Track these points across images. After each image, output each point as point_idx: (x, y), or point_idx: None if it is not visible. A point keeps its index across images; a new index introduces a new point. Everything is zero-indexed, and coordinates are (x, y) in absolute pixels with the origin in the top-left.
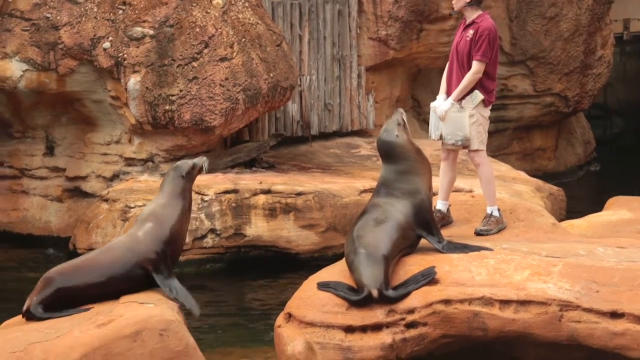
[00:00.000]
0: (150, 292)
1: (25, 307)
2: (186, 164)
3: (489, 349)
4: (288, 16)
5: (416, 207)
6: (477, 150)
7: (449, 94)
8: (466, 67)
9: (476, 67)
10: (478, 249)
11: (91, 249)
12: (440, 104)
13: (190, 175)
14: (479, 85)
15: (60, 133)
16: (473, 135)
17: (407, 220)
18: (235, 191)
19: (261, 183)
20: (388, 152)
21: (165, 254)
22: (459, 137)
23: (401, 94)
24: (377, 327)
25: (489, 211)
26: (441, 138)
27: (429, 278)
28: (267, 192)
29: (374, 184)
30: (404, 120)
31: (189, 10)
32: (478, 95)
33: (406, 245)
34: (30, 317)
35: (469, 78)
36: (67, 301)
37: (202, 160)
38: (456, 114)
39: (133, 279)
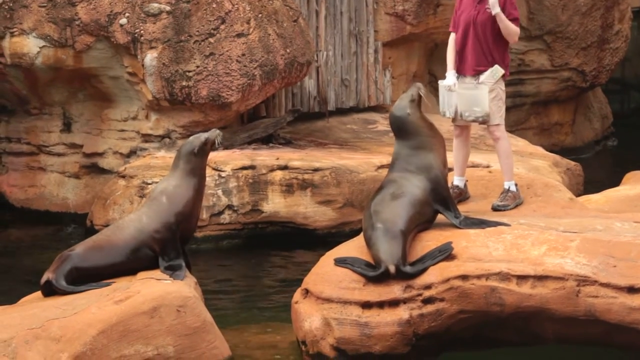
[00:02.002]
0: None
1: (43, 280)
2: (198, 139)
3: (505, 325)
4: None
5: (432, 182)
6: (497, 125)
7: (461, 70)
8: (490, 40)
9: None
10: (495, 224)
11: (108, 225)
12: (452, 81)
13: (203, 151)
14: (499, 59)
15: (77, 109)
16: (493, 110)
17: (423, 195)
18: (252, 167)
19: (278, 159)
20: (399, 128)
21: (173, 234)
22: (479, 114)
23: (418, 69)
24: (394, 303)
25: (506, 186)
26: (459, 116)
27: (445, 253)
28: (284, 167)
29: (391, 159)
30: (419, 95)
31: None
32: (499, 70)
33: (423, 220)
34: (49, 289)
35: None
36: (82, 281)
37: (215, 134)
38: (473, 91)
39: (144, 259)
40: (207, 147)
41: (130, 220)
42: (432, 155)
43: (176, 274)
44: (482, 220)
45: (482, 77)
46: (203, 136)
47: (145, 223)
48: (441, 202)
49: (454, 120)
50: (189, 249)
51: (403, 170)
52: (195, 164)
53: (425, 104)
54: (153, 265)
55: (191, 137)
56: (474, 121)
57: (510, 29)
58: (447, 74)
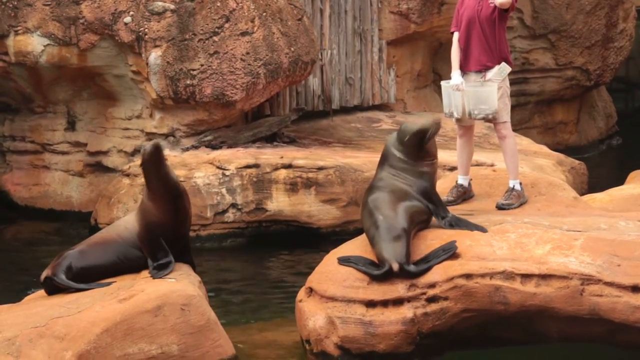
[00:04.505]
0: None
1: (42, 277)
2: (144, 150)
3: (509, 323)
4: None
5: (420, 177)
6: (504, 122)
7: (465, 66)
8: (495, 34)
9: None
10: (477, 228)
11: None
12: (459, 80)
13: (147, 163)
14: (505, 54)
15: (81, 107)
16: (500, 108)
17: (414, 191)
18: (256, 165)
19: (282, 157)
20: (402, 142)
21: (155, 236)
22: (488, 111)
23: (422, 68)
24: (398, 302)
25: (510, 184)
26: (467, 114)
27: (449, 252)
28: (288, 166)
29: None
30: (431, 131)
31: None
32: (506, 68)
33: (422, 218)
34: (50, 286)
35: None
36: (81, 279)
37: (150, 145)
38: (480, 88)
39: (135, 259)
40: (149, 157)
41: (122, 220)
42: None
43: (158, 273)
44: (466, 222)
45: (490, 75)
46: (142, 148)
47: (132, 224)
48: (427, 199)
49: (459, 120)
50: (193, 247)
51: (390, 167)
52: (149, 174)
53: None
54: (146, 265)
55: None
56: (482, 119)
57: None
58: (452, 74)
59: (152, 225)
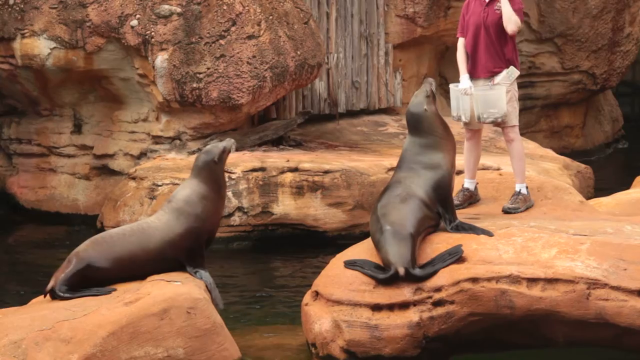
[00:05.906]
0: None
1: (49, 286)
2: (217, 147)
3: (515, 327)
4: None
5: (436, 182)
6: (512, 126)
7: (473, 73)
8: (501, 41)
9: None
10: (482, 232)
11: (117, 227)
12: (468, 84)
13: (222, 159)
14: (513, 59)
15: (88, 111)
16: (509, 111)
17: (428, 196)
18: (262, 169)
19: (288, 161)
20: (415, 125)
21: (201, 242)
22: (497, 115)
23: (428, 71)
24: (404, 305)
25: (517, 188)
26: (476, 118)
27: (455, 256)
28: (294, 169)
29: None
30: (432, 91)
31: None
32: (515, 72)
33: (430, 224)
34: (54, 296)
35: (515, 16)
36: (91, 281)
37: (231, 143)
38: (489, 92)
39: (165, 267)
40: (225, 155)
41: (155, 229)
42: (442, 155)
43: (203, 274)
44: (472, 226)
45: (498, 79)
46: (221, 145)
47: (175, 234)
48: (441, 203)
49: (467, 123)
50: None
51: (409, 170)
52: (216, 172)
53: (437, 101)
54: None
55: (209, 146)
56: (492, 122)
57: (512, 16)
58: (460, 78)
59: (212, 226)
